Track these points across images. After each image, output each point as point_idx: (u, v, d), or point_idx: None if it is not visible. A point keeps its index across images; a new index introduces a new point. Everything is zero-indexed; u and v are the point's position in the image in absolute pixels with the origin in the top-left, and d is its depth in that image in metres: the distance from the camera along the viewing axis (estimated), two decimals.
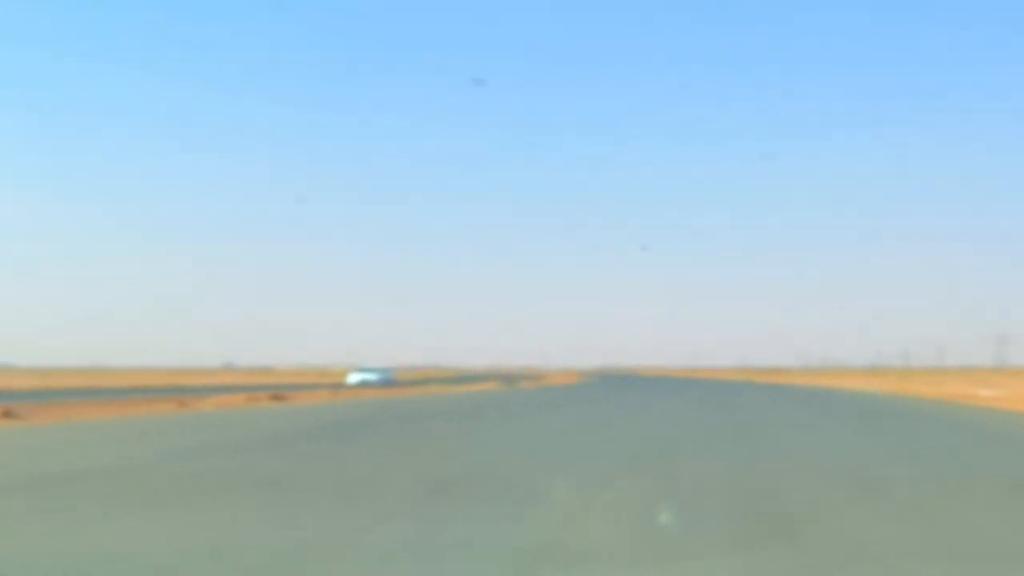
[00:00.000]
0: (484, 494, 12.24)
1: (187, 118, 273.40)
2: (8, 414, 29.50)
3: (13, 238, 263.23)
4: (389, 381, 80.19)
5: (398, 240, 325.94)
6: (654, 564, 8.13)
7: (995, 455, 19.09)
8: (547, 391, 69.48)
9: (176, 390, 60.58)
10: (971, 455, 19.11)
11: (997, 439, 23.72)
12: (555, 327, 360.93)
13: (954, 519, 10.65)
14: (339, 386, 71.11)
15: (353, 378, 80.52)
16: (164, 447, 19.47)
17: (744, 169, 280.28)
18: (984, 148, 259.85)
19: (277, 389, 56.77)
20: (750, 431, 26.46)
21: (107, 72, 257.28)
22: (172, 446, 19.80)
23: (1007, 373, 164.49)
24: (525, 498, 11.82)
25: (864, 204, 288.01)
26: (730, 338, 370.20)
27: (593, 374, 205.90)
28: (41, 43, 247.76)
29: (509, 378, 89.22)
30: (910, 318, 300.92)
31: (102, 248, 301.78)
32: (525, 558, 8.18)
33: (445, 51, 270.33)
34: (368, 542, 8.94)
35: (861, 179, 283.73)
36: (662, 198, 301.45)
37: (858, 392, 66.84)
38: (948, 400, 49.56)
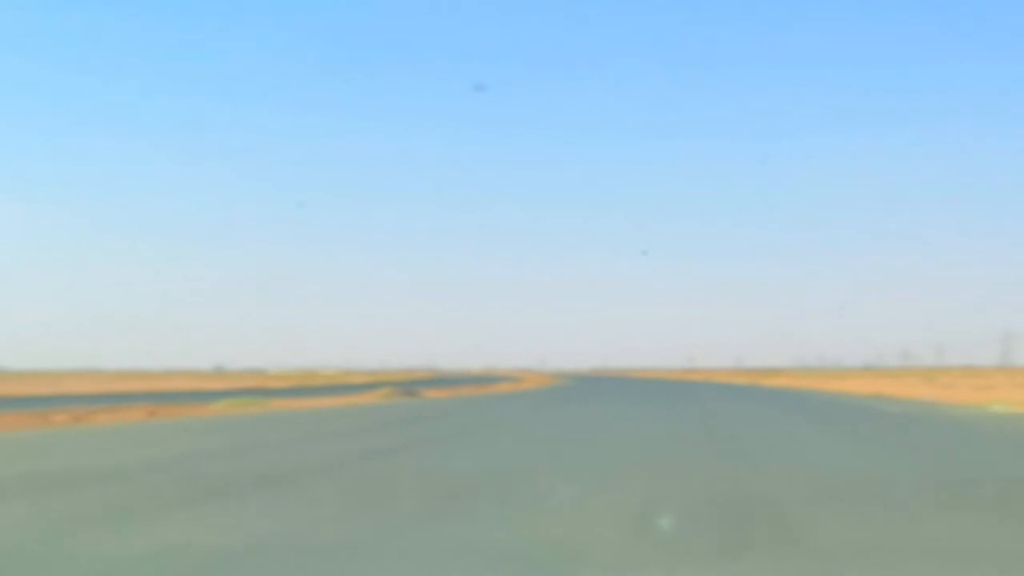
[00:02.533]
0: None
1: (181, 122, 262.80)
2: None
3: (5, 242, 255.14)
4: None
5: (392, 244, 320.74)
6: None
7: None
8: (462, 404, 44.73)
9: None
10: None
11: None
12: (551, 329, 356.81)
13: None
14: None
15: None
16: None
17: (741, 168, 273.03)
18: (989, 141, 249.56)
19: None
20: None
21: (102, 76, 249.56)
22: None
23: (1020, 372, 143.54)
24: None
25: (861, 201, 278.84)
26: (726, 339, 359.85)
27: (576, 376, 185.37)
28: (38, 49, 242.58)
29: (411, 385, 63.59)
30: (908, 316, 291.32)
31: (93, 251, 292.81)
32: None
33: (446, 55, 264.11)
34: None
35: (858, 176, 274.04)
36: (658, 198, 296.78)
37: (942, 411, 40.95)
38: None
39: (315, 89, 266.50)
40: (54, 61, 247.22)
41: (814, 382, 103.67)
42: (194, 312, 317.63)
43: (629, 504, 11.70)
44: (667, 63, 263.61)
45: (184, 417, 32.60)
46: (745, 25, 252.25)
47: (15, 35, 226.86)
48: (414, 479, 14.48)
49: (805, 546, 9.11)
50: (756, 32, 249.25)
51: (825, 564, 8.33)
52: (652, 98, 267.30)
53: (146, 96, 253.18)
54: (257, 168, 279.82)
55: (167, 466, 16.37)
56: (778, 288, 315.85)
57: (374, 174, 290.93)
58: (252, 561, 8.41)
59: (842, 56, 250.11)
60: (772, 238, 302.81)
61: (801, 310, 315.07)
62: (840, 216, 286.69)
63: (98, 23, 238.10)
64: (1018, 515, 11.34)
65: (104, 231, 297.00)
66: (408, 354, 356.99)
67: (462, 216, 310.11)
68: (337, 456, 18.52)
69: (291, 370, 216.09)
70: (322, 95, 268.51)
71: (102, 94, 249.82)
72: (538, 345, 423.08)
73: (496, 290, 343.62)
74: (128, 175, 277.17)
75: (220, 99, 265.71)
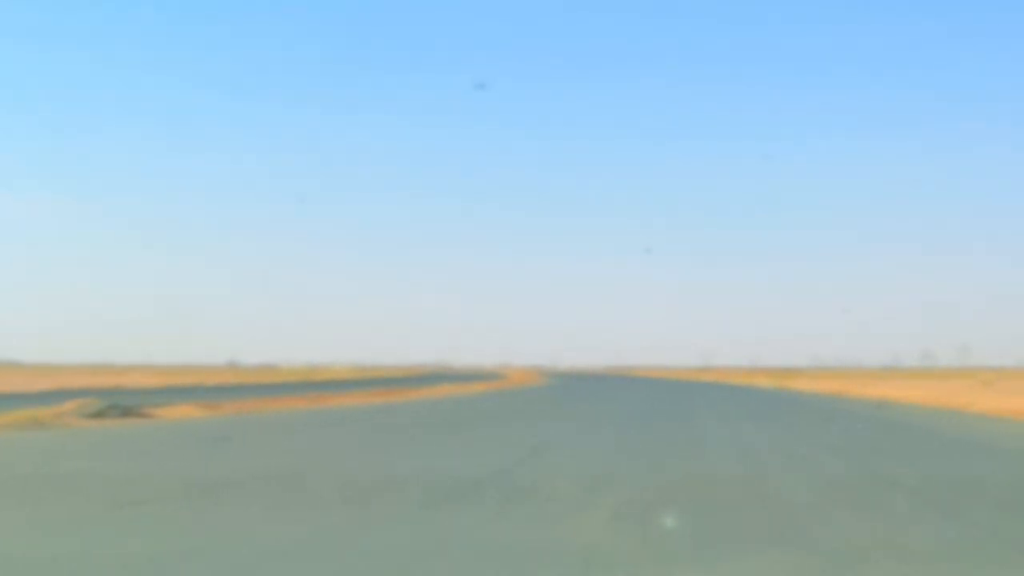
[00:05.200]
0: None
1: (191, 117, 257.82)
2: None
3: (20, 237, 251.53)
4: None
5: (403, 239, 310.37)
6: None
7: None
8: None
9: None
10: None
11: None
12: (567, 327, 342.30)
13: None
14: None
15: None
16: None
17: (756, 166, 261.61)
18: (1012, 137, 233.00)
19: None
20: None
21: (112, 72, 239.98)
22: None
23: None
24: None
25: (879, 198, 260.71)
26: (741, 338, 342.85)
27: (578, 376, 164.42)
28: (44, 43, 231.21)
29: (134, 396, 37.79)
30: (928, 315, 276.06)
31: (107, 247, 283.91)
32: None
33: (448, 52, 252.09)
34: None
35: (876, 174, 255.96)
36: (674, 196, 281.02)
37: None
38: None
39: (321, 84, 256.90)
40: (63, 56, 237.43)
41: (863, 386, 76.97)
42: (211, 307, 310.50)
43: None
44: (678, 60, 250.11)
45: None
46: (755, 25, 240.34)
47: (21, 30, 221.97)
48: None
49: None
50: (767, 31, 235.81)
51: None
52: (665, 95, 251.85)
53: (157, 91, 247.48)
54: (270, 163, 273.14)
55: None
56: (794, 287, 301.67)
57: (380, 172, 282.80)
58: None
59: (860, 52, 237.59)
60: (788, 237, 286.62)
61: (817, 309, 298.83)
62: (858, 214, 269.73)
63: (100, 18, 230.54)
64: None
65: (118, 226, 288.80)
66: (426, 351, 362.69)
67: (477, 213, 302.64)
68: None
69: (304, 365, 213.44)
70: (327, 90, 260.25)
71: (115, 90, 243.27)
72: (554, 343, 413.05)
73: (513, 288, 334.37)
74: (141, 171, 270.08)
75: (227, 94, 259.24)
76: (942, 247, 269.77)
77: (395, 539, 10.15)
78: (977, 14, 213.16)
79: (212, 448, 21.20)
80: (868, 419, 35.04)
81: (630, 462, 18.41)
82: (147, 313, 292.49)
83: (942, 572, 8.13)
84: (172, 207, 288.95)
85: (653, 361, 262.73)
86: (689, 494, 13.80)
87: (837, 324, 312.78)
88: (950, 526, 11.33)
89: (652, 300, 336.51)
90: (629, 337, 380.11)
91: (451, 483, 14.49)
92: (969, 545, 9.99)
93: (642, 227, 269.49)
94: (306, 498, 13.49)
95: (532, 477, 15.65)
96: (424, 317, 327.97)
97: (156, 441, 23.19)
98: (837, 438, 25.89)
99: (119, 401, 31.62)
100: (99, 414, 27.84)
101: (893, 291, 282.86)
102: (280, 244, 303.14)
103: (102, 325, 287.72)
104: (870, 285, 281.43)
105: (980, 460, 19.77)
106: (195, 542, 10.01)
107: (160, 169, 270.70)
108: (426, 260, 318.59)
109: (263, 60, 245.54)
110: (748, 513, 12.11)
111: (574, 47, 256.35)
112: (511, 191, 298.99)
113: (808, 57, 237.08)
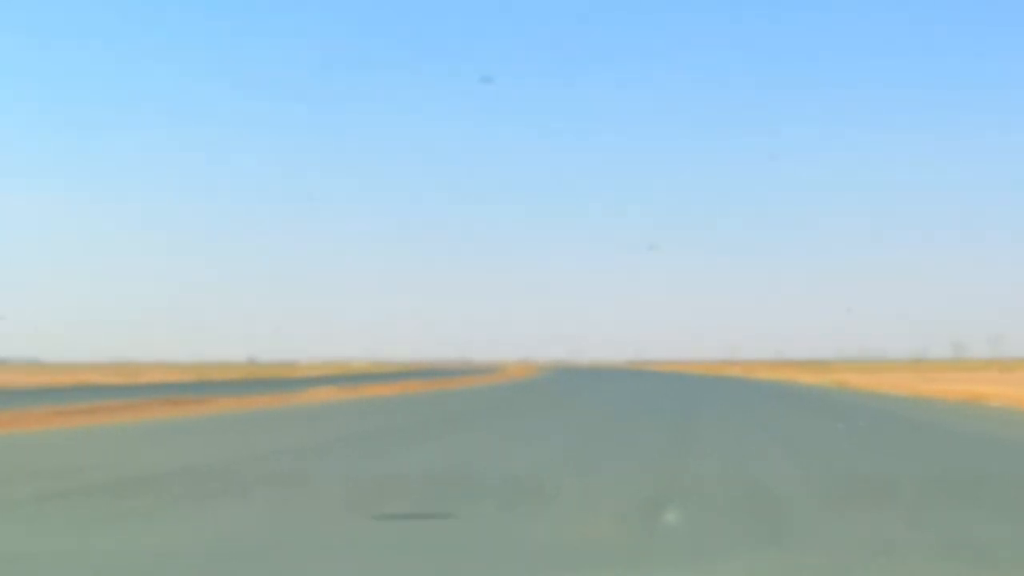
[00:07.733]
0: None
1: (208, 114, 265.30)
2: None
3: (37, 235, 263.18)
4: None
5: (421, 237, 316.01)
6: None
7: None
8: None
9: None
10: None
11: None
12: (587, 321, 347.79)
13: None
14: None
15: None
16: None
17: (780, 156, 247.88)
18: None
19: None
20: None
21: (133, 70, 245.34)
22: None
23: None
24: None
25: (910, 187, 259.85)
26: (765, 331, 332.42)
27: (589, 372, 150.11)
28: (56, 41, 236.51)
29: None
30: (959, 304, 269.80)
31: (124, 244, 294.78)
32: None
33: (454, 47, 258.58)
34: None
35: (901, 163, 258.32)
36: (694, 189, 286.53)
37: None
38: None
39: (322, 81, 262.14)
40: (76, 54, 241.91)
41: (954, 382, 47.86)
42: (223, 304, 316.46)
43: None
44: (699, 50, 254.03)
45: None
46: (765, 20, 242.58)
47: (28, 27, 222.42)
48: None
49: None
50: (789, 22, 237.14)
51: None
52: (675, 86, 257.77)
53: (172, 90, 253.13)
54: (281, 161, 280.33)
55: None
56: (818, 279, 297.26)
57: (393, 168, 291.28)
58: None
59: (884, 46, 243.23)
60: (812, 228, 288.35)
61: (841, 301, 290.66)
62: (884, 204, 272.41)
63: (109, 15, 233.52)
64: None
65: (131, 224, 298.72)
66: (448, 346, 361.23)
67: (485, 211, 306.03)
68: None
69: (323, 362, 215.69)
70: (331, 87, 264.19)
71: (131, 89, 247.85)
72: (576, 338, 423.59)
73: (536, 284, 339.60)
74: (157, 169, 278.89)
75: (235, 91, 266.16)
76: (970, 236, 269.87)
77: None
78: (985, 8, 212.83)
79: None
80: None
81: None
82: (161, 310, 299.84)
83: None
84: (187, 206, 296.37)
85: (676, 355, 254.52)
86: None
87: (861, 316, 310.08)
88: None
89: (674, 294, 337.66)
90: (651, 331, 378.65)
91: None
92: None
93: (664, 221, 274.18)
94: None
95: None
96: (450, 314, 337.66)
97: None
98: None
99: None
100: None
101: (920, 281, 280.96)
102: (295, 241, 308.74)
103: (121, 323, 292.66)
104: (895, 275, 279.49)
105: None
106: None
107: (177, 168, 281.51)
108: (445, 258, 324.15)
109: (276, 59, 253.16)
110: None
111: (584, 44, 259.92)
112: (530, 188, 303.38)
113: (824, 52, 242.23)
